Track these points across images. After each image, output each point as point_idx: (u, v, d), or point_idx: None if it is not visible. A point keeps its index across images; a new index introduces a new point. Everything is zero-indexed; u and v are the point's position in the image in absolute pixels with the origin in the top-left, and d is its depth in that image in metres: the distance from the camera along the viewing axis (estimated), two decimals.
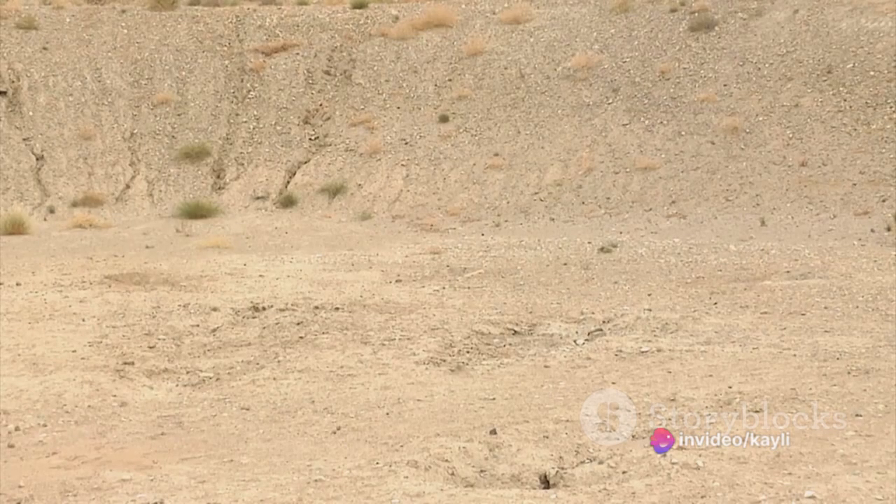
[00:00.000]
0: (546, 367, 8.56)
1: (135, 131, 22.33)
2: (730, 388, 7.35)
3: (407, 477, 5.85)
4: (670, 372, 8.05)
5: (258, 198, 20.82)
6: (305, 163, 21.55)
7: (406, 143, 21.48)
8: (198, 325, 10.39)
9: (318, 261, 14.61)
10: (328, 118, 22.44)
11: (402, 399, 7.68)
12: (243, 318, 10.70)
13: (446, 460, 6.15)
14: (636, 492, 5.50)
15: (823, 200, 17.89)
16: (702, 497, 5.37)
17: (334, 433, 6.87)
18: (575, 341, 9.54)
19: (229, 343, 9.75)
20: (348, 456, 6.26)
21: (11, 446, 6.83)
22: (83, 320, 10.57)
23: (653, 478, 5.68)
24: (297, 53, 23.73)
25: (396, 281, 12.78)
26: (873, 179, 18.13)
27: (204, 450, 6.57)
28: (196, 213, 19.65)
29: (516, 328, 10.10)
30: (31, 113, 22.37)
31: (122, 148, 22.00)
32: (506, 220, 18.80)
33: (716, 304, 10.72)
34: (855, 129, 19.34)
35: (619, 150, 20.28)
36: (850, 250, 13.88)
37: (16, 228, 18.32)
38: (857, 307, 10.22)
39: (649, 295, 11.32)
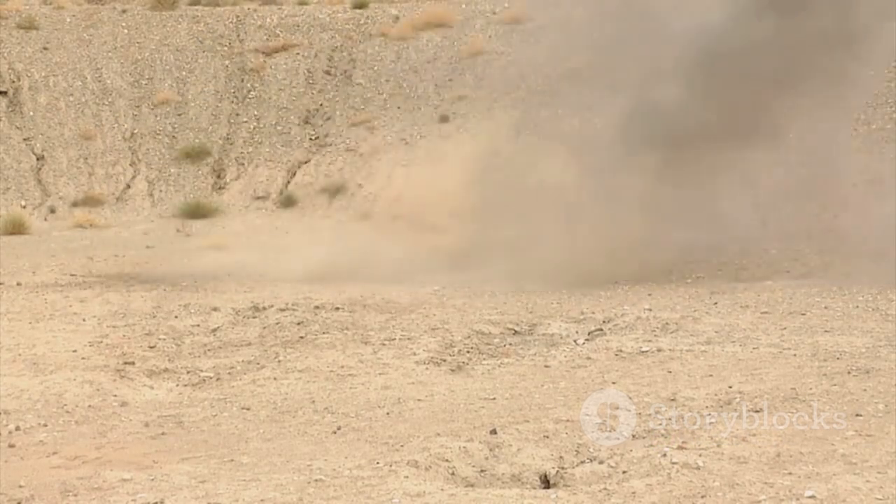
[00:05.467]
0: (546, 366, 8.57)
1: (135, 131, 22.33)
2: (730, 387, 7.35)
3: (407, 477, 5.86)
4: (670, 372, 8.05)
5: (258, 198, 20.83)
6: (306, 163, 21.56)
7: (406, 143, 21.48)
8: (198, 325, 10.39)
9: (319, 261, 14.62)
10: (328, 118, 22.44)
11: (403, 399, 7.68)
12: (244, 317, 10.71)
13: (446, 460, 6.15)
14: (636, 492, 5.50)
15: (824, 200, 17.86)
16: (702, 497, 5.38)
17: (335, 433, 6.87)
18: (575, 341, 9.54)
19: (230, 343, 9.76)
20: (349, 456, 6.26)
21: (12, 446, 6.84)
22: (84, 320, 10.57)
23: (653, 478, 5.69)
24: (298, 53, 23.73)
25: (397, 281, 12.79)
26: (873, 179, 18.11)
27: (204, 450, 6.58)
28: (196, 213, 19.67)
29: (516, 328, 10.10)
30: (31, 113, 22.38)
31: (123, 148, 22.00)
32: (506, 220, 18.77)
33: (716, 304, 10.72)
34: (855, 129, 19.33)
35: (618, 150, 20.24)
36: (849, 250, 13.85)
37: (16, 228, 18.34)
38: (857, 307, 10.23)
39: (649, 295, 11.33)
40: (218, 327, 10.36)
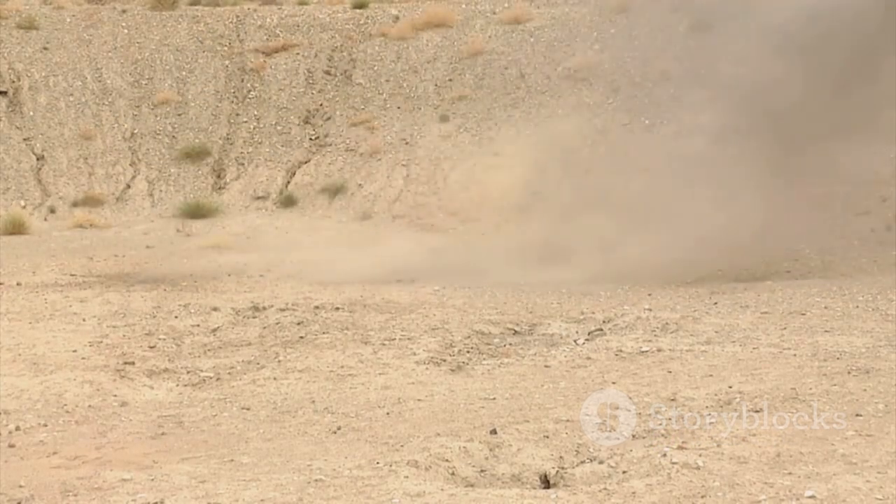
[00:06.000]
0: (546, 366, 8.57)
1: (135, 131, 22.33)
2: (730, 387, 7.35)
3: (407, 477, 5.86)
4: (670, 372, 8.05)
5: (258, 198, 20.83)
6: (306, 163, 21.56)
7: (406, 143, 21.48)
8: (198, 325, 10.39)
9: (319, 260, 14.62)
10: (328, 118, 22.44)
11: (403, 399, 7.68)
12: (244, 317, 10.71)
13: (446, 460, 6.15)
14: (636, 492, 5.50)
15: (824, 200, 17.85)
16: (702, 497, 5.38)
17: (334, 433, 6.87)
18: (575, 341, 9.54)
19: (230, 343, 9.76)
20: (349, 456, 6.26)
21: (12, 446, 6.84)
22: (84, 320, 10.57)
23: (653, 478, 5.69)
24: (298, 53, 23.73)
25: (396, 281, 12.79)
26: (873, 180, 18.10)
27: (204, 450, 6.58)
28: (196, 212, 19.66)
29: (516, 328, 10.10)
30: (31, 113, 22.37)
31: (123, 148, 22.00)
32: (506, 220, 18.79)
33: (716, 303, 10.72)
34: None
35: (619, 150, 20.24)
36: (850, 250, 13.87)
37: (16, 228, 18.33)
38: (857, 307, 10.23)
39: (649, 295, 11.33)
40: (218, 327, 10.36)
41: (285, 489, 5.69)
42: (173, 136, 22.15)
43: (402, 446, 6.39)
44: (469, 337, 9.66)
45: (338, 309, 10.87)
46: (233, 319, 10.65)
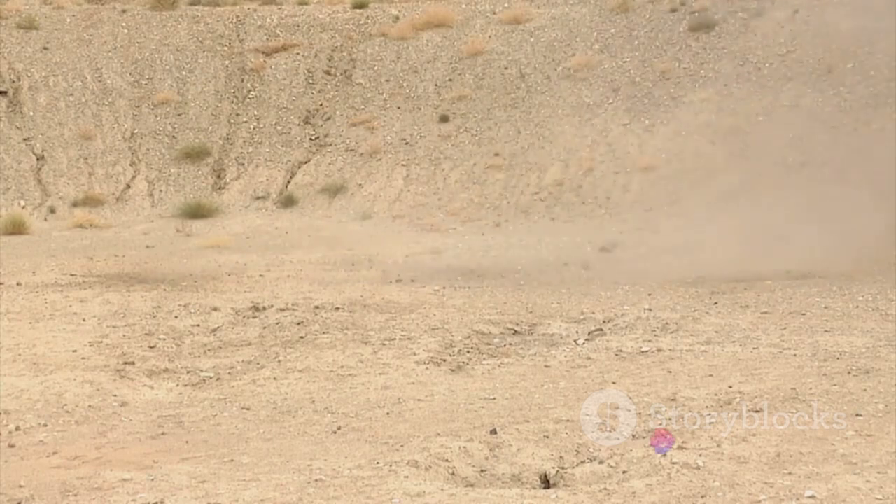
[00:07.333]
0: (546, 366, 8.57)
1: (135, 131, 22.33)
2: (730, 387, 7.36)
3: (407, 477, 5.86)
4: (670, 372, 8.06)
5: (258, 198, 20.83)
6: (306, 163, 21.56)
7: (406, 143, 21.48)
8: (198, 325, 10.39)
9: (319, 260, 14.63)
10: (328, 118, 22.44)
11: (403, 399, 7.69)
12: (244, 317, 10.71)
13: (446, 460, 6.15)
14: (636, 492, 5.50)
15: (824, 200, 17.85)
16: (702, 497, 5.38)
17: (334, 433, 6.87)
18: (575, 341, 9.54)
19: (230, 343, 9.76)
20: (348, 456, 6.26)
21: (12, 446, 6.84)
22: (83, 320, 10.58)
23: (653, 478, 5.69)
24: (298, 53, 23.73)
25: (396, 281, 12.79)
26: (873, 179, 18.09)
27: (204, 449, 6.58)
28: (196, 212, 19.67)
29: (516, 328, 10.10)
30: (31, 113, 22.37)
31: (123, 148, 22.00)
32: (506, 220, 18.80)
33: (716, 303, 10.72)
34: (855, 130, 19.32)
35: (619, 150, 20.27)
36: (850, 250, 13.86)
37: (16, 228, 18.33)
38: (857, 307, 10.23)
39: (649, 295, 11.33)
40: (218, 327, 10.36)
41: (285, 489, 5.69)
42: (173, 136, 22.15)
43: (402, 446, 6.39)
44: (469, 337, 9.66)
45: (338, 309, 10.87)
46: (233, 319, 10.65)
